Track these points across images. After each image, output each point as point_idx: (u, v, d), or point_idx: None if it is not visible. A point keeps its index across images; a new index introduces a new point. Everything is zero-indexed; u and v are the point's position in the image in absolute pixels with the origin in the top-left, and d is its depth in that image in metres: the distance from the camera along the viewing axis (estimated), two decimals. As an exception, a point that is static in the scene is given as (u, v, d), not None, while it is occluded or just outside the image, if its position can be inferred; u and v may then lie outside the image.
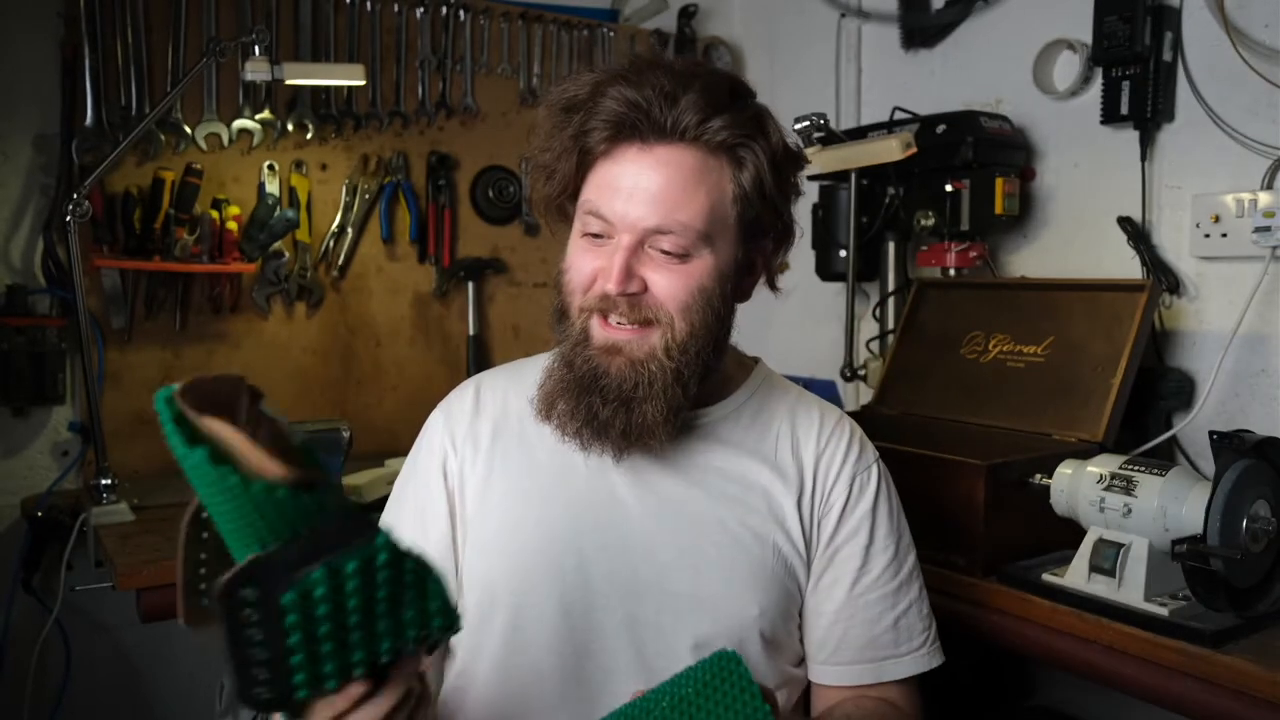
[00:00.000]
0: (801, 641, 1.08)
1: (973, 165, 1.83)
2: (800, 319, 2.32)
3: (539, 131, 1.00)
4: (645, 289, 0.96)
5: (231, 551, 0.62)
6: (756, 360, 1.15)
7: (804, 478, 1.06)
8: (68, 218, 1.68)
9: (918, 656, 1.07)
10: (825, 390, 1.82)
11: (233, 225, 2.03)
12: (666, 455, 1.02)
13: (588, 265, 0.98)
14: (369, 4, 2.20)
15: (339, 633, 0.61)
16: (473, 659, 1.03)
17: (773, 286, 1.08)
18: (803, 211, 2.00)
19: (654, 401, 0.96)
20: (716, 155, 0.95)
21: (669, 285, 0.96)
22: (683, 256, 0.95)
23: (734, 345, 1.10)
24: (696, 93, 0.93)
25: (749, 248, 1.01)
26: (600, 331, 0.98)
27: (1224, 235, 1.60)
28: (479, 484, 1.05)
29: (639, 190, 0.94)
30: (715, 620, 1.00)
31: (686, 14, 2.54)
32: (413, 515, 1.08)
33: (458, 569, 1.05)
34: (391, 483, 1.76)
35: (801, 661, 1.09)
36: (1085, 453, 1.39)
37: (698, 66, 0.99)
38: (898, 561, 1.08)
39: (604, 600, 0.99)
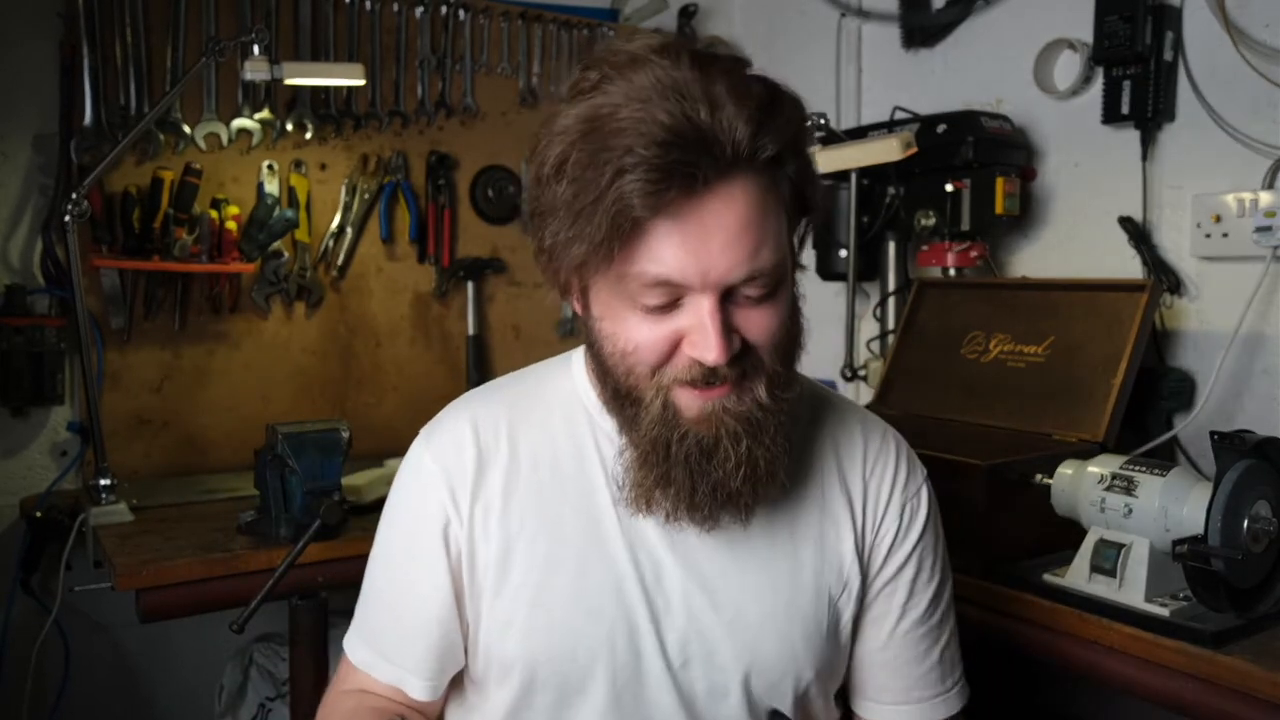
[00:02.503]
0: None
1: (973, 165, 1.83)
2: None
3: (545, 201, 0.81)
4: (742, 343, 0.83)
5: None
6: None
7: (854, 511, 0.97)
8: (67, 217, 1.68)
9: (958, 692, 1.02)
10: (825, 390, 1.82)
11: (232, 225, 2.03)
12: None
13: (657, 336, 0.82)
14: (369, 4, 2.20)
15: None
16: None
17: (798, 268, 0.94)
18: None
19: (771, 450, 0.85)
20: (768, 171, 0.81)
21: (764, 330, 0.83)
22: (771, 294, 0.83)
23: None
24: (731, 98, 0.77)
25: (798, 262, 0.91)
26: (694, 401, 0.83)
27: (1225, 235, 1.60)
28: (497, 554, 0.91)
29: (714, 241, 0.78)
30: (771, 686, 0.92)
31: (686, 14, 2.54)
32: (411, 585, 0.94)
33: (469, 646, 0.95)
34: (390, 483, 1.78)
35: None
36: (1086, 453, 1.39)
37: (700, 57, 0.80)
38: (945, 590, 1.01)
39: (656, 676, 0.90)
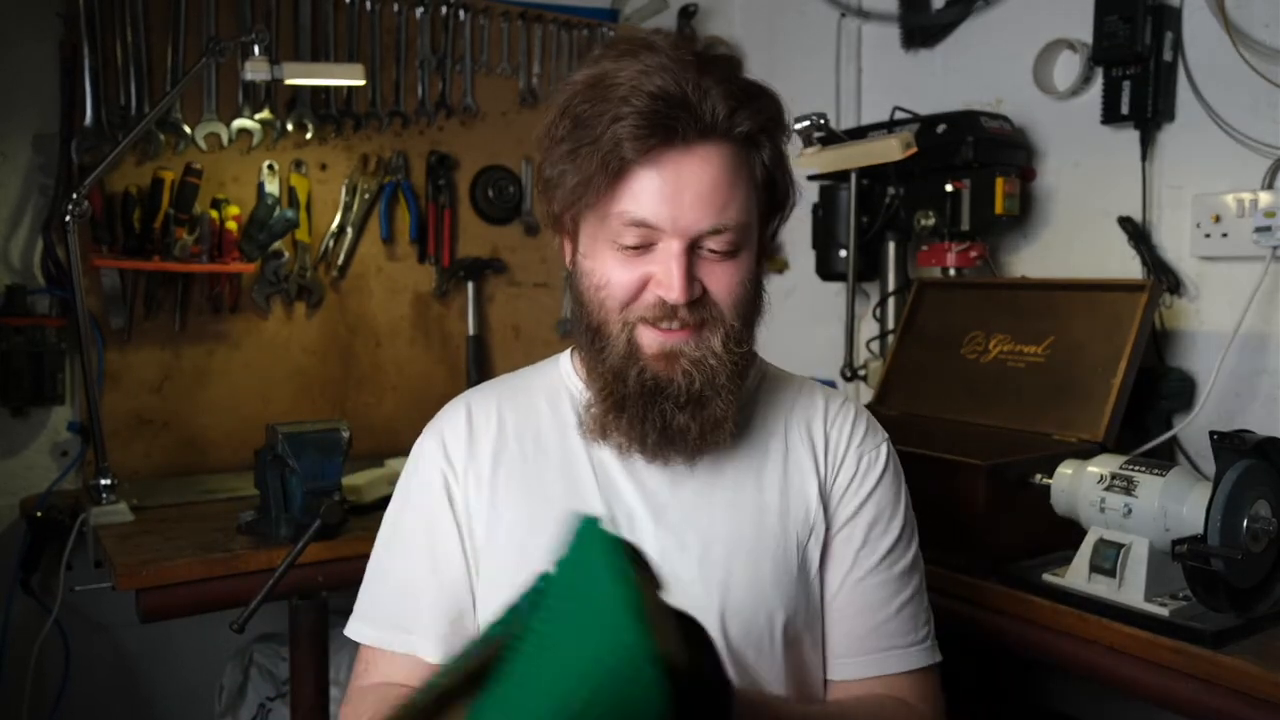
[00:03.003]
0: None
1: (973, 165, 1.83)
2: (800, 319, 2.31)
3: (550, 138, 0.93)
4: (704, 292, 0.93)
5: None
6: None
7: (817, 458, 1.03)
8: (67, 217, 1.68)
9: (924, 649, 1.02)
10: (825, 390, 1.82)
11: (232, 225, 2.03)
12: (677, 466, 0.99)
13: (628, 277, 0.92)
14: (369, 4, 2.20)
15: None
16: None
17: (766, 256, 1.02)
18: (803, 211, 2.00)
19: (722, 398, 0.94)
20: (744, 146, 0.93)
21: (724, 283, 0.93)
22: (732, 253, 0.93)
23: None
24: (717, 81, 0.89)
25: (769, 234, 1.00)
26: (654, 339, 0.93)
27: (1224, 235, 1.60)
28: (486, 513, 1.00)
29: (687, 193, 0.89)
30: (746, 625, 0.96)
31: (686, 14, 2.54)
32: (423, 551, 1.01)
33: (475, 604, 1.01)
34: (392, 483, 1.78)
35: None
36: (1086, 453, 1.39)
37: (693, 47, 0.92)
38: (902, 545, 1.04)
39: None
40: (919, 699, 1.01)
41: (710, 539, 0.98)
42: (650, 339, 0.93)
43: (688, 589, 0.95)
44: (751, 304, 0.96)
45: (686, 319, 0.92)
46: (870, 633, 1.01)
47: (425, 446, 1.05)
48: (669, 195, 0.89)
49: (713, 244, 0.91)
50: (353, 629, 1.03)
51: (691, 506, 0.99)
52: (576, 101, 0.91)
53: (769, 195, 0.97)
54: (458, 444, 1.03)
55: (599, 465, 1.00)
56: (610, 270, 0.93)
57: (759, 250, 0.98)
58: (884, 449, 1.07)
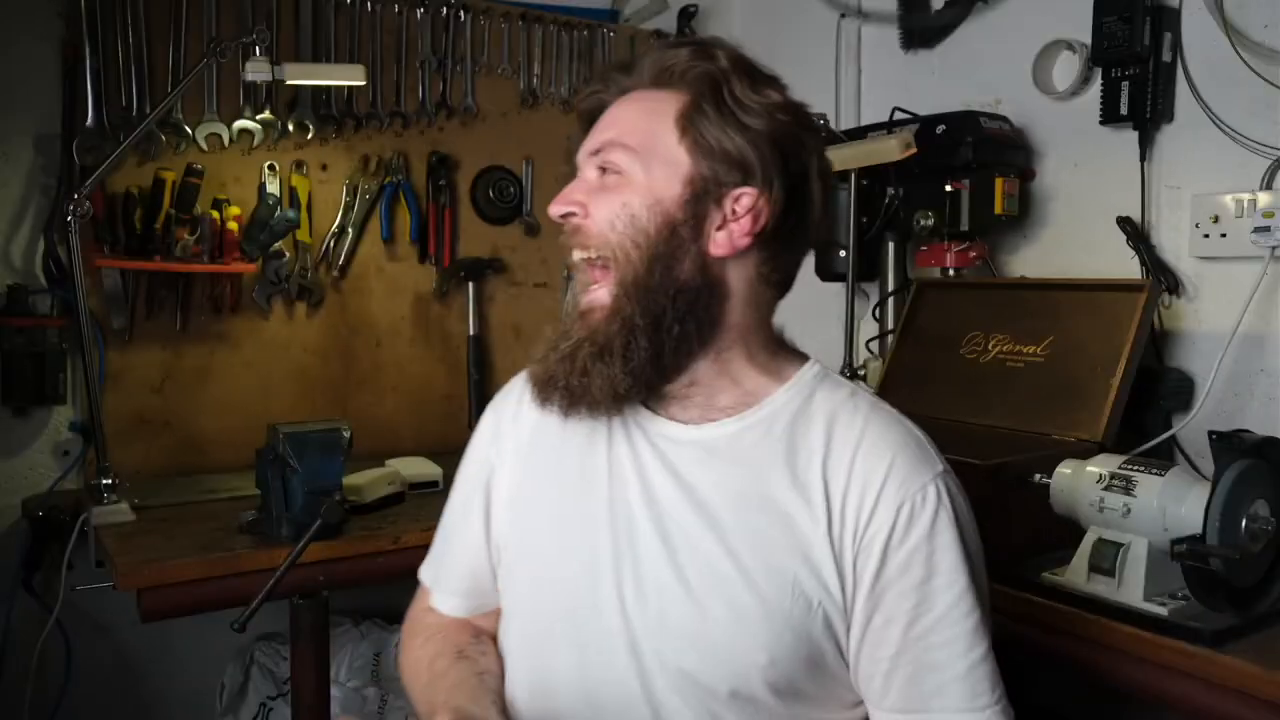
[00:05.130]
0: (853, 687, 0.93)
1: (972, 165, 1.83)
2: (800, 319, 2.31)
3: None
4: (587, 216, 0.94)
5: None
6: (806, 359, 1.03)
7: (831, 502, 0.90)
8: (69, 218, 1.68)
9: (995, 713, 0.89)
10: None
11: (233, 225, 2.03)
12: (684, 474, 0.94)
13: None
14: (369, 4, 2.20)
15: None
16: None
17: (749, 236, 0.94)
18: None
19: (606, 359, 0.91)
20: (667, 87, 0.94)
21: (596, 202, 0.93)
22: (615, 174, 0.93)
23: (781, 341, 1.03)
24: (657, 49, 0.97)
25: (710, 187, 0.92)
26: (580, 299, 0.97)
27: (1223, 235, 1.60)
28: (511, 491, 1.04)
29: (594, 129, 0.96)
30: (717, 667, 0.89)
31: (686, 14, 2.54)
32: (457, 509, 1.10)
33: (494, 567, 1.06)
34: (392, 483, 1.78)
35: (857, 705, 0.94)
36: (1085, 452, 1.39)
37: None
38: (967, 601, 0.90)
39: (613, 638, 0.93)
40: None
41: (704, 559, 0.92)
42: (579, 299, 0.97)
43: (671, 606, 0.91)
44: (636, 240, 0.91)
45: (579, 246, 0.94)
46: (937, 691, 0.89)
47: (485, 415, 1.12)
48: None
49: (596, 161, 0.94)
50: (423, 566, 1.14)
51: (690, 524, 0.93)
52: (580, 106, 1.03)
53: (702, 145, 0.92)
54: (505, 413, 1.08)
55: (620, 441, 0.97)
56: None
57: (675, 199, 0.91)
58: (932, 491, 0.91)
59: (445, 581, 1.10)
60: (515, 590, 1.02)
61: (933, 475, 0.92)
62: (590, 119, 0.99)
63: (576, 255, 0.95)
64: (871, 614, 0.90)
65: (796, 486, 0.91)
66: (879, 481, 0.90)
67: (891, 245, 2.06)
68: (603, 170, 0.94)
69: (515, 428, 1.06)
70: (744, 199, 0.92)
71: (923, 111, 1.97)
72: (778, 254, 0.98)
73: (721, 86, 0.92)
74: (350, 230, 2.21)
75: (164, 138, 1.99)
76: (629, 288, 0.91)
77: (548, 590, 0.98)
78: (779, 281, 1.01)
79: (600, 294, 0.94)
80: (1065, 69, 1.87)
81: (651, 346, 0.91)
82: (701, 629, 0.90)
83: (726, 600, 0.90)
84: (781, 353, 1.02)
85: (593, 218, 0.93)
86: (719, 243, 0.93)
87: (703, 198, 0.92)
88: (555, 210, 0.95)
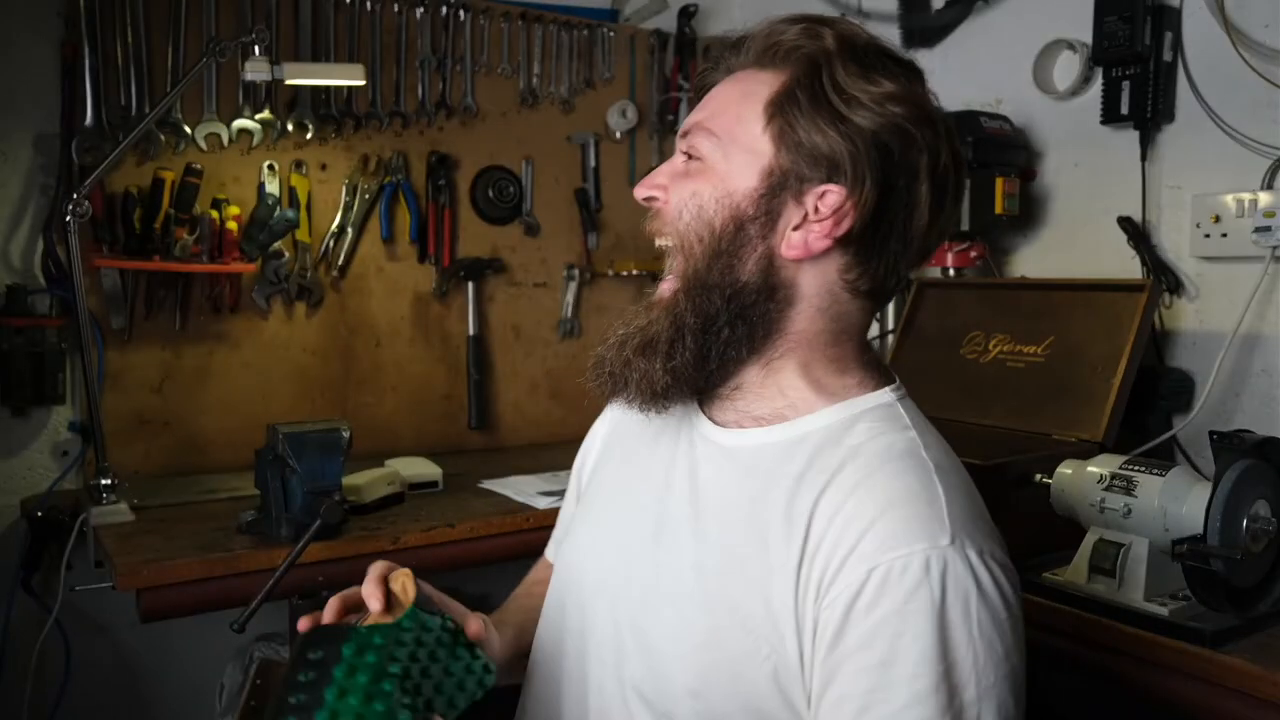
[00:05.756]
0: None
1: (973, 165, 1.83)
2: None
3: None
4: (667, 201, 0.89)
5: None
6: (885, 383, 0.91)
7: (808, 543, 0.79)
8: (68, 217, 1.68)
9: None
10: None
11: (233, 225, 2.03)
12: (701, 476, 0.90)
13: None
14: (369, 4, 2.20)
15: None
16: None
17: (828, 238, 0.84)
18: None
19: (648, 354, 0.86)
20: (770, 68, 0.87)
21: (675, 187, 0.88)
22: (697, 160, 0.87)
23: (864, 358, 0.92)
24: (769, 24, 0.89)
25: (789, 181, 0.84)
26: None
27: (1224, 235, 1.60)
28: (589, 475, 1.10)
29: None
30: (655, 681, 0.85)
31: (687, 14, 2.54)
32: (571, 490, 1.16)
33: None
34: (391, 483, 1.78)
35: None
36: (1085, 453, 1.39)
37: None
38: (931, 706, 0.72)
39: (605, 628, 0.92)
40: None
41: (678, 571, 0.88)
42: None
43: (640, 610, 0.89)
44: (698, 225, 0.85)
45: (661, 239, 0.90)
46: None
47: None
48: None
49: (684, 146, 0.89)
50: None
51: (687, 535, 0.89)
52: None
53: (790, 136, 0.83)
54: (605, 414, 1.12)
55: (680, 439, 0.94)
56: None
57: (747, 190, 0.84)
58: (921, 562, 0.74)
59: (551, 547, 1.19)
60: (558, 563, 1.06)
61: (931, 545, 0.75)
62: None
63: (658, 242, 0.91)
64: (828, 684, 0.76)
65: (787, 517, 0.81)
66: (857, 533, 0.77)
67: (892, 245, 2.06)
68: (688, 155, 0.88)
69: (612, 414, 1.10)
70: (829, 197, 0.83)
71: (923, 111, 1.97)
72: (867, 260, 0.86)
73: (821, 70, 0.83)
74: (350, 230, 2.21)
75: (163, 137, 1.99)
76: (689, 282, 0.86)
77: (574, 570, 1.01)
78: (869, 290, 0.88)
79: (666, 285, 0.90)
80: (1066, 69, 1.87)
81: (698, 348, 0.85)
82: (649, 638, 0.86)
83: (678, 614, 0.85)
84: (855, 370, 0.90)
85: (670, 204, 0.89)
86: (793, 244, 0.84)
87: (779, 192, 0.84)
88: (638, 193, 0.91)
